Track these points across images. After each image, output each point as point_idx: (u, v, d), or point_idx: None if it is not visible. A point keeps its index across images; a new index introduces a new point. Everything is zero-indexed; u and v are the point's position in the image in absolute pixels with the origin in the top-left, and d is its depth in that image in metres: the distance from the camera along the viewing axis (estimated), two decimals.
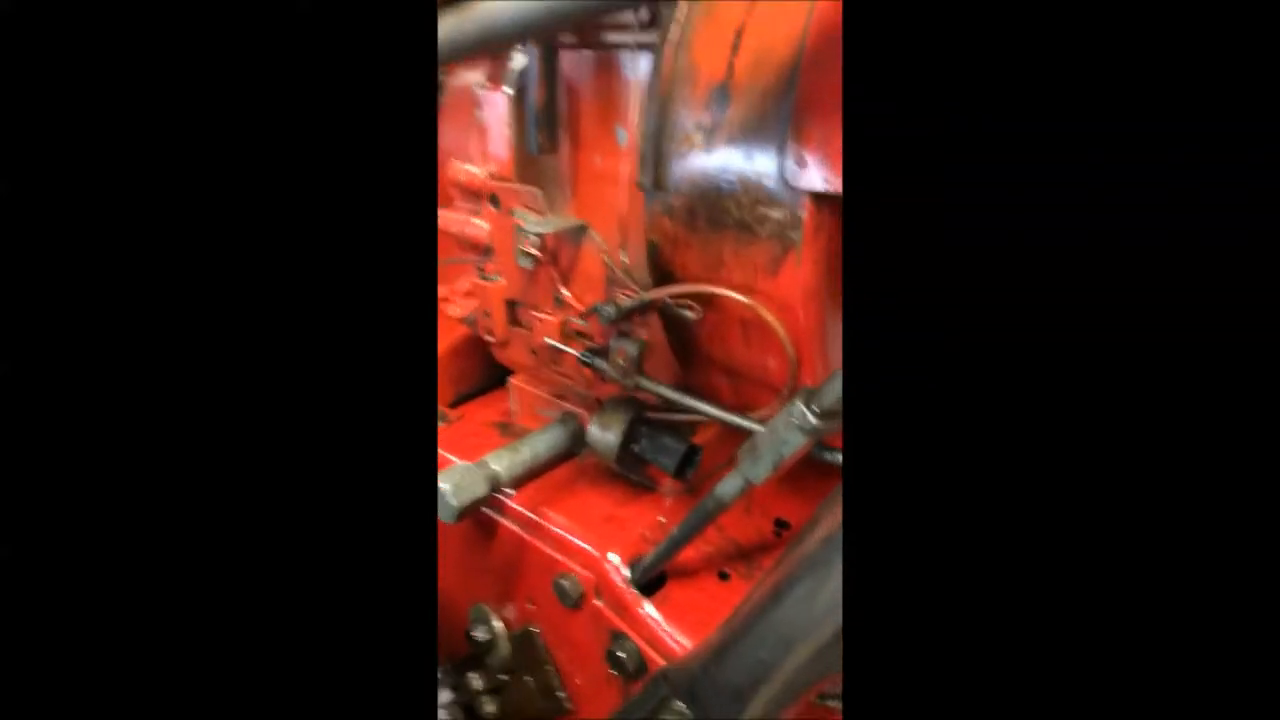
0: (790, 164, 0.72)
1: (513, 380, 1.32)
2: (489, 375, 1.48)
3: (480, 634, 1.23)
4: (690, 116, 0.82)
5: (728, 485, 0.81)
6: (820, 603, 0.64)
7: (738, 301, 0.83)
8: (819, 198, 0.74)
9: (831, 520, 0.67)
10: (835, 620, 0.63)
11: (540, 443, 1.17)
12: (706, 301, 0.87)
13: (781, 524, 1.15)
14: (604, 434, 1.03)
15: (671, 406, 1.04)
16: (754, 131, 0.76)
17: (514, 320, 1.10)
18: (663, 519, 1.10)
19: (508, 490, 1.15)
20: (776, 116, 0.74)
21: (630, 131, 0.97)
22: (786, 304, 0.80)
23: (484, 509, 1.18)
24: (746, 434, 1.21)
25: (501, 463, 1.11)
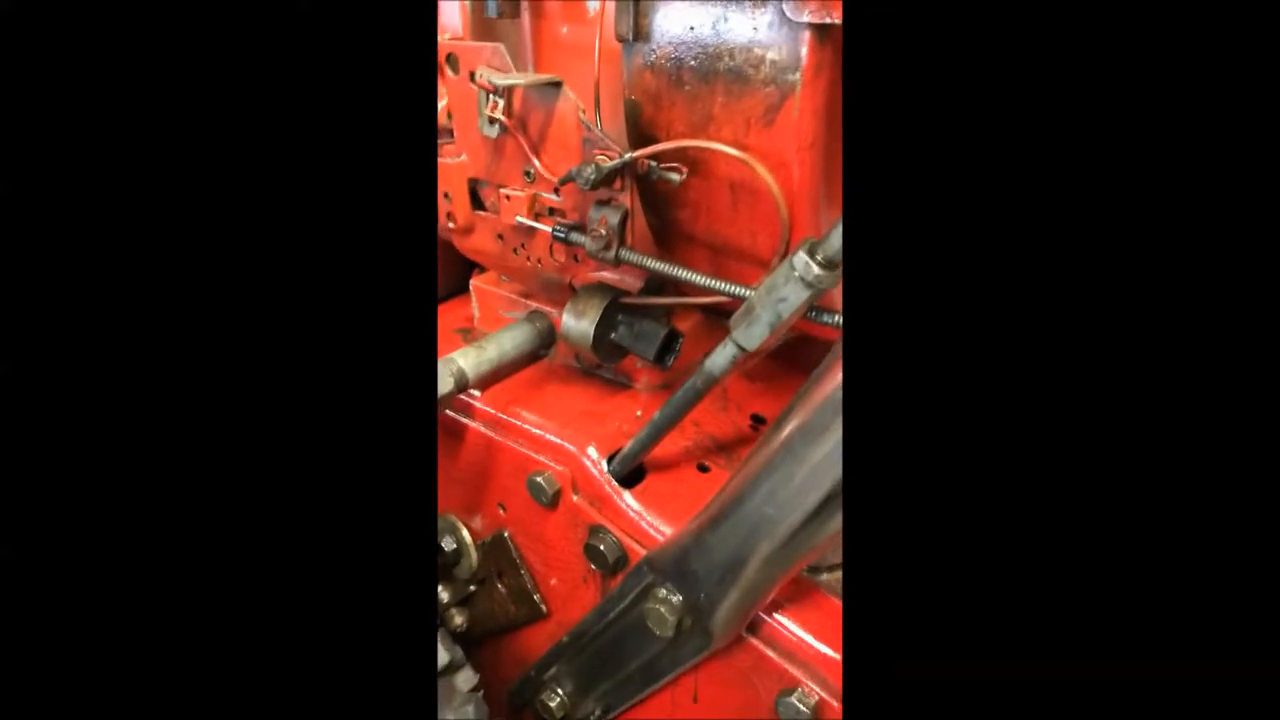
0: None
1: (475, 281, 1.24)
2: (449, 282, 1.40)
3: (447, 544, 1.18)
4: None
5: (719, 356, 0.77)
6: (800, 479, 0.62)
7: (727, 162, 0.77)
8: (820, 31, 0.69)
9: (805, 408, 0.64)
10: (817, 493, 0.61)
11: (507, 340, 1.11)
12: (693, 165, 0.81)
13: (758, 419, 1.12)
14: (578, 322, 0.97)
15: (652, 290, 0.99)
16: None
17: (478, 204, 1.02)
18: (640, 413, 1.06)
19: (474, 391, 1.09)
20: None
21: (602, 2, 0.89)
22: (781, 160, 0.75)
23: (449, 412, 1.12)
24: (723, 328, 1.19)
25: (467, 360, 1.05)
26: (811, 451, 0.62)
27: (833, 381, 0.63)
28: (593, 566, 0.98)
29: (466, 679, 1.06)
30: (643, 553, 0.93)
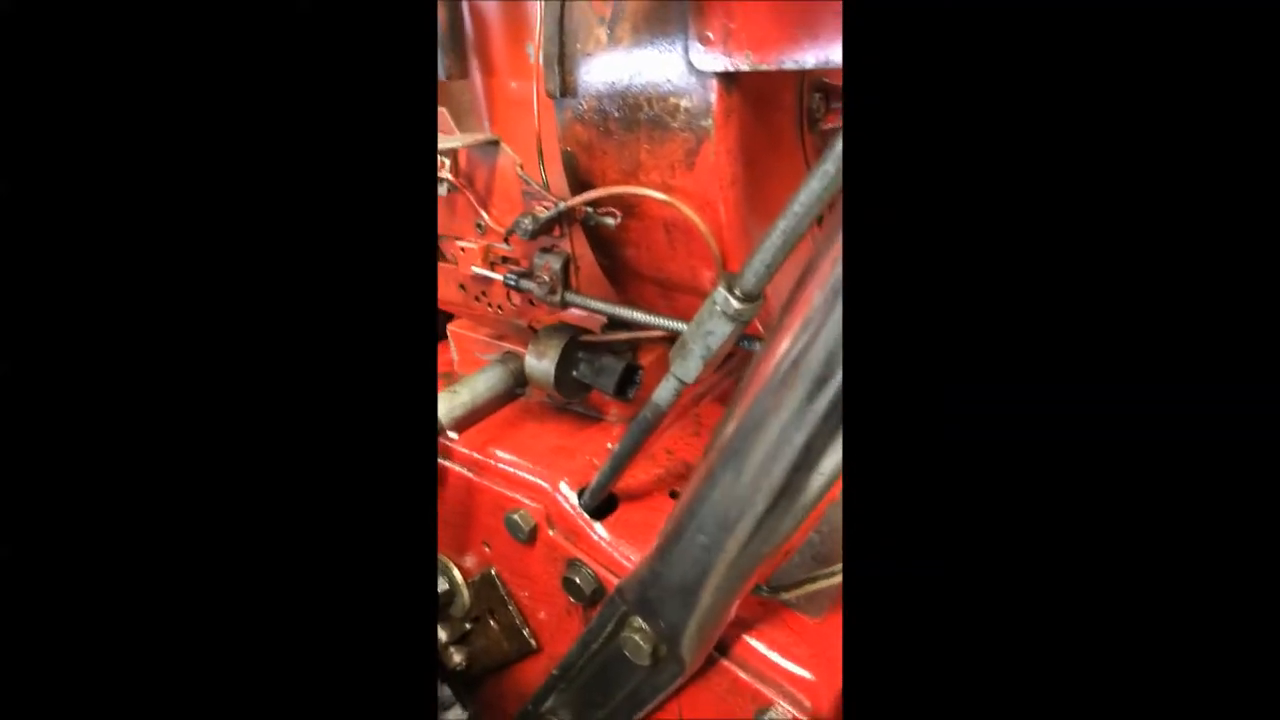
0: (695, 45, 0.70)
1: (451, 327, 1.29)
2: None
3: (441, 585, 1.22)
4: (590, 10, 0.79)
5: (662, 391, 0.80)
6: (746, 479, 0.64)
7: (659, 203, 0.81)
8: (727, 79, 0.72)
9: (740, 409, 0.66)
10: (766, 492, 0.63)
11: (480, 383, 1.15)
12: (628, 208, 0.85)
13: None
14: (540, 361, 1.01)
15: (610, 325, 1.03)
16: (656, 16, 0.74)
17: (440, 256, 1.07)
18: (611, 445, 1.09)
19: (451, 434, 1.13)
20: None
21: (536, 57, 0.94)
22: (706, 199, 0.78)
23: None
24: None
25: (442, 405, 1.09)
26: (729, 477, 0.65)
27: (741, 404, 0.65)
28: (572, 600, 1.01)
29: (456, 717, 1.08)
30: (616, 582, 0.95)
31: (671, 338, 1.02)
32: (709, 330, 0.71)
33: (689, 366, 0.75)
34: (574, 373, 1.01)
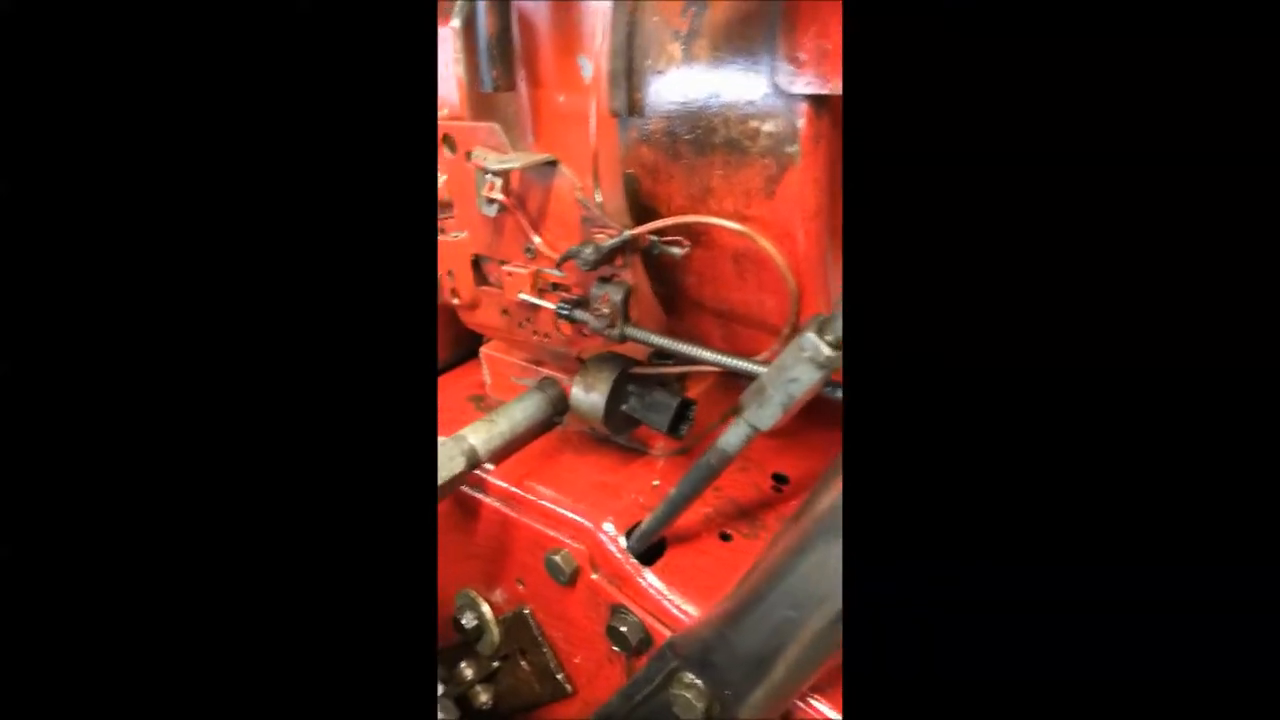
0: (783, 66, 0.64)
1: (484, 349, 1.23)
2: (459, 347, 1.39)
3: (468, 620, 1.16)
4: (665, 24, 0.73)
5: (732, 435, 0.74)
6: (816, 581, 0.58)
7: (730, 233, 0.75)
8: (817, 102, 0.66)
9: (817, 504, 0.60)
10: (838, 597, 0.57)
11: (518, 412, 1.09)
12: (695, 237, 0.79)
13: (780, 479, 1.08)
14: (588, 394, 0.95)
15: (661, 358, 0.97)
16: (739, 33, 0.68)
17: (481, 279, 1.01)
18: (657, 482, 1.02)
19: (487, 466, 1.07)
20: (764, 13, 0.66)
21: (595, 61, 0.88)
22: (785, 229, 0.72)
23: (463, 488, 1.10)
24: (741, 386, 1.15)
25: (478, 436, 1.02)
26: (825, 549, 0.59)
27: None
28: (615, 648, 0.94)
29: None
30: (666, 633, 0.89)
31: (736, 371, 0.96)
32: (793, 377, 0.65)
33: (765, 414, 0.68)
34: (623, 406, 0.95)
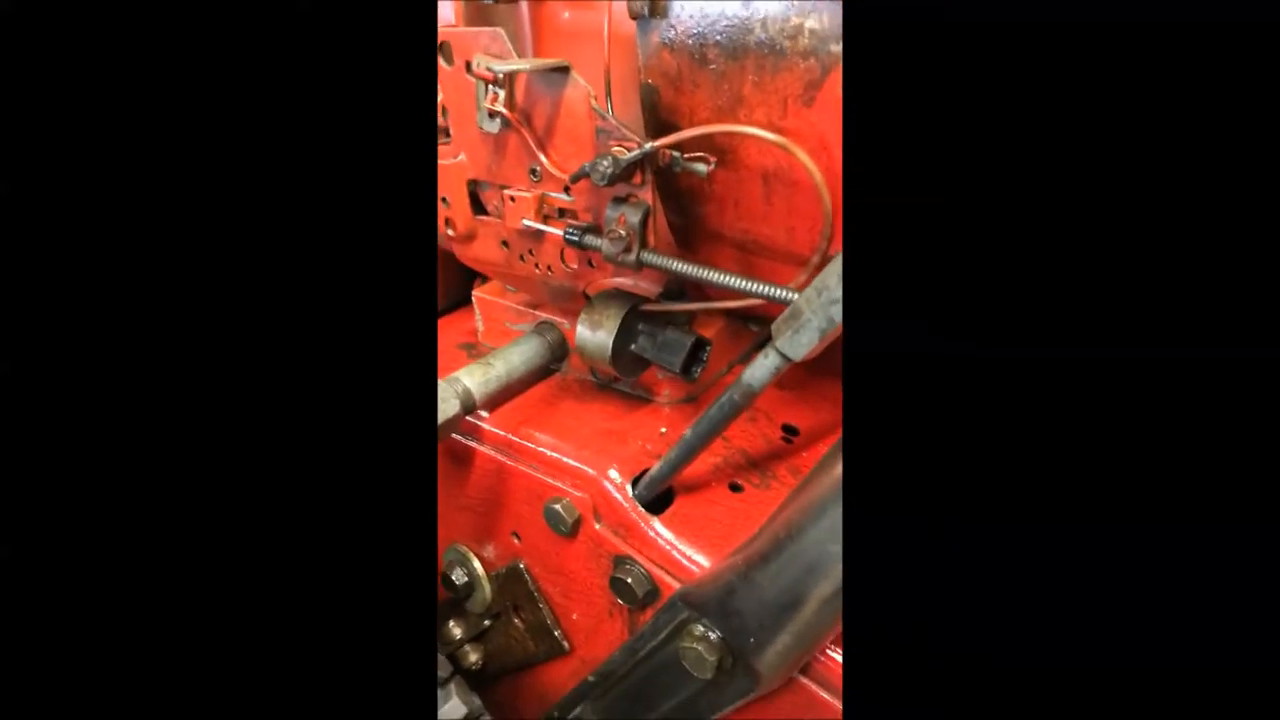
0: None
1: (477, 293, 1.16)
2: (450, 292, 1.31)
3: (459, 576, 1.10)
4: None
5: (759, 369, 0.68)
6: None
7: (760, 151, 0.69)
8: None
9: None
10: None
11: (515, 355, 1.02)
12: (720, 154, 0.73)
13: (790, 430, 1.04)
14: (594, 333, 0.88)
15: (670, 299, 0.90)
16: None
17: (479, 208, 0.94)
18: (664, 429, 0.97)
19: (481, 413, 1.00)
20: None
21: None
22: (823, 142, 0.66)
23: (456, 435, 1.03)
24: (752, 334, 1.10)
25: (473, 378, 0.96)
26: None
27: None
28: (619, 601, 0.89)
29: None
30: (674, 585, 0.85)
31: (742, 311, 0.90)
32: (835, 298, 0.59)
33: (801, 341, 0.63)
34: (632, 346, 0.89)
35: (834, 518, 0.57)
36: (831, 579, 0.59)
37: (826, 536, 0.58)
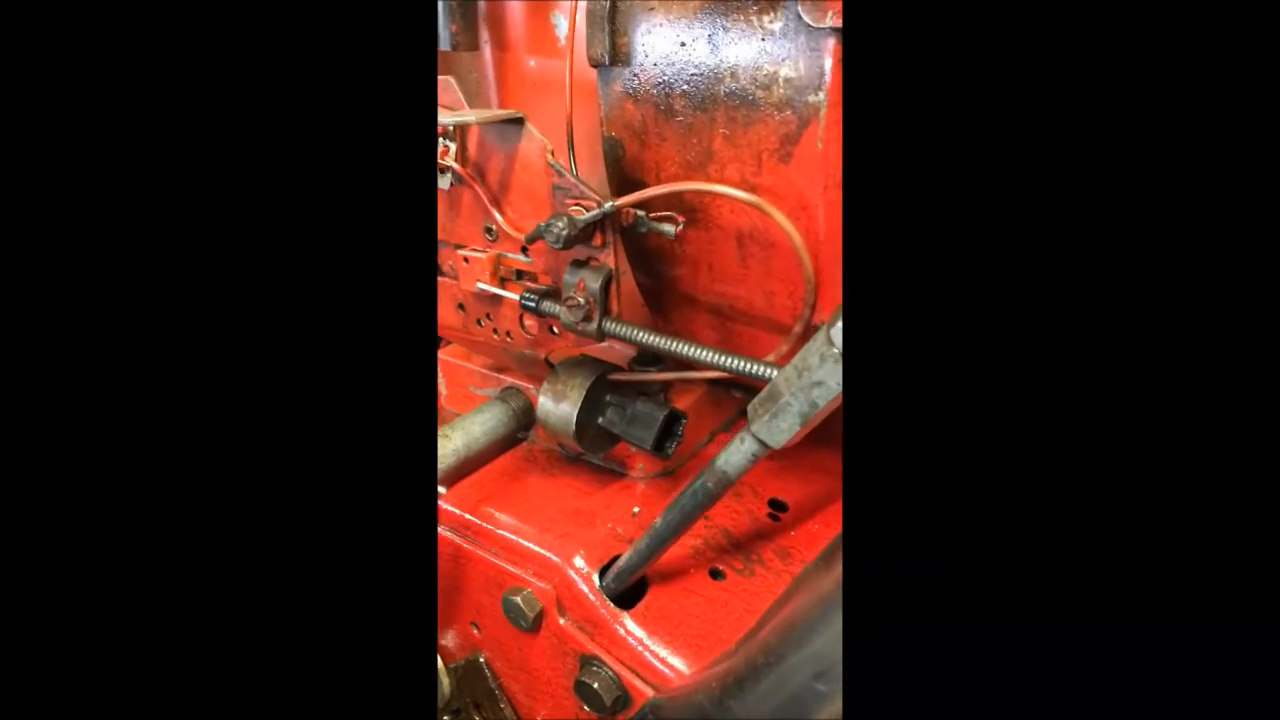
0: None
1: (440, 354, 1.08)
2: None
3: None
4: None
5: (735, 454, 0.60)
6: None
7: (733, 208, 0.62)
8: None
9: None
10: None
11: (475, 425, 0.94)
12: (690, 213, 0.65)
13: (778, 505, 0.95)
14: (558, 405, 0.80)
15: (644, 364, 0.83)
16: None
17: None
18: (637, 510, 0.89)
19: (439, 489, 0.92)
20: None
21: (571, 16, 0.75)
22: (802, 202, 0.59)
23: None
24: (733, 399, 1.02)
25: None
26: None
27: None
28: (586, 708, 0.79)
29: None
30: (646, 690, 0.75)
31: (727, 380, 0.82)
32: (817, 380, 0.51)
33: (780, 427, 0.55)
34: (600, 420, 0.81)
35: (821, 645, 0.48)
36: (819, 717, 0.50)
37: (809, 667, 0.48)
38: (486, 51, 0.89)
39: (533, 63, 0.88)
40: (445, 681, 1.01)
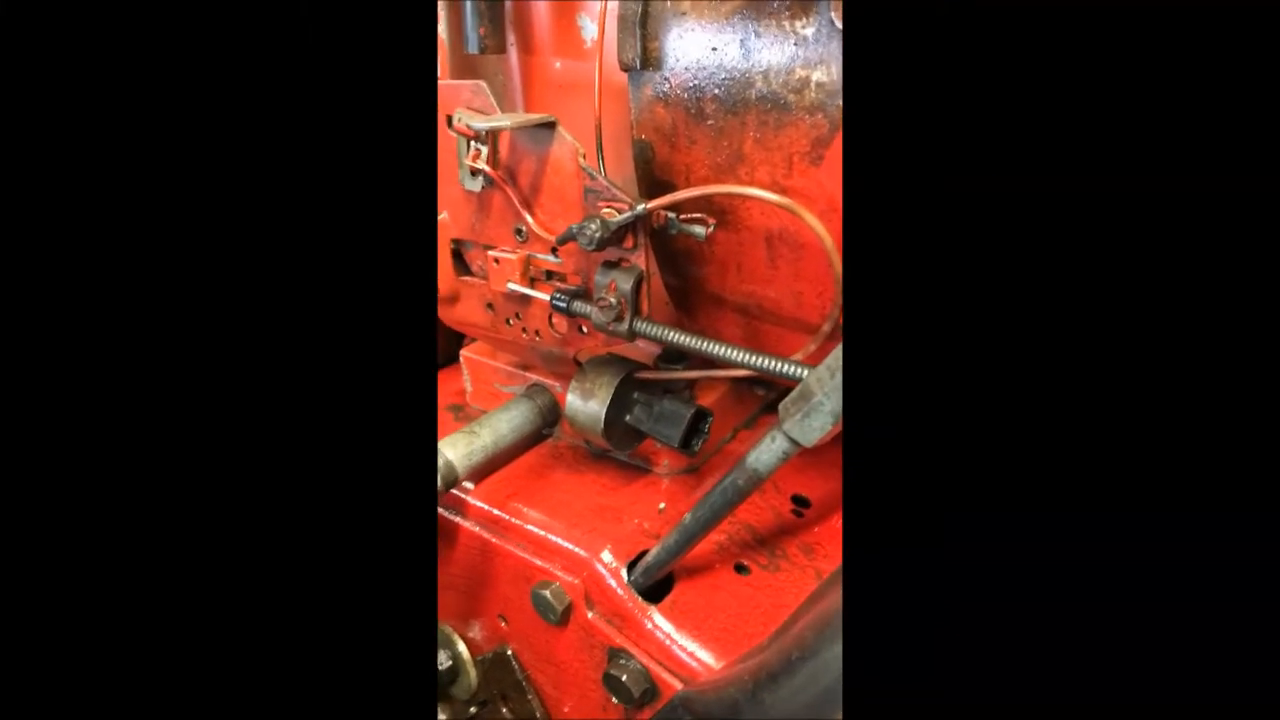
0: None
1: (465, 352, 1.10)
2: (437, 350, 1.25)
3: (442, 660, 1.01)
4: None
5: (766, 452, 0.61)
6: None
7: (763, 210, 0.63)
8: None
9: None
10: None
11: (502, 423, 0.95)
12: (720, 215, 0.66)
13: (801, 501, 0.96)
14: (586, 403, 0.82)
15: (669, 363, 0.84)
16: None
17: (463, 268, 0.88)
18: (663, 505, 0.90)
19: (466, 485, 0.93)
20: None
21: (599, 20, 0.75)
22: (832, 204, 0.60)
23: (439, 509, 0.96)
24: (757, 396, 1.03)
25: (456, 450, 0.89)
26: None
27: None
28: (614, 700, 0.81)
29: None
30: (674, 683, 0.76)
31: (753, 378, 0.83)
32: None
33: (812, 425, 0.56)
34: (627, 417, 0.82)
35: (838, 646, 0.50)
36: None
37: (829, 667, 0.49)
38: (513, 54, 0.90)
39: (559, 65, 0.89)
40: (472, 673, 1.02)
